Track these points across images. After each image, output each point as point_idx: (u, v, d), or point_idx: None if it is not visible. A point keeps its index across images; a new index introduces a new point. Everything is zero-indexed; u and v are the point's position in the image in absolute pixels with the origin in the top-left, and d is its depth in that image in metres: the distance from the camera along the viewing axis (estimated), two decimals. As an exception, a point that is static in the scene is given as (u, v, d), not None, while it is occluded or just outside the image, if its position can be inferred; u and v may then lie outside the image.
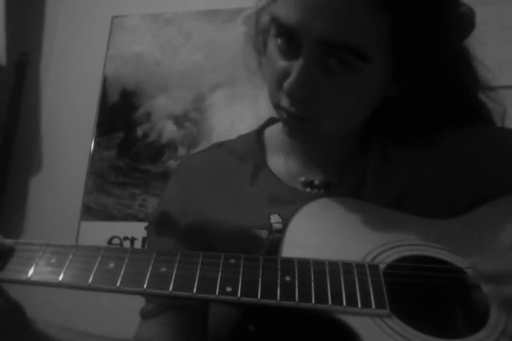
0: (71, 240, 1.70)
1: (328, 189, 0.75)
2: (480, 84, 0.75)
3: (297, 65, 0.62)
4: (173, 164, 1.74)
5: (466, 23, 0.68)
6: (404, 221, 0.67)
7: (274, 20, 0.64)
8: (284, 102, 0.66)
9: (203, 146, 1.72)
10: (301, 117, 0.67)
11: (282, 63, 0.65)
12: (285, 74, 0.64)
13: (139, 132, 1.82)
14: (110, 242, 1.70)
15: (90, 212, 1.76)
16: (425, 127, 0.73)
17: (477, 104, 0.77)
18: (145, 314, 0.78)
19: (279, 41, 0.65)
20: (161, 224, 0.80)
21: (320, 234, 0.64)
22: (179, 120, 1.80)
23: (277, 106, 0.68)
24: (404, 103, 0.71)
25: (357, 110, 0.69)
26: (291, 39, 0.63)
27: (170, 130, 1.80)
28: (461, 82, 0.73)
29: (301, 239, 0.64)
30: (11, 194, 1.82)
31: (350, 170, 0.76)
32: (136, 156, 1.79)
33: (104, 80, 1.89)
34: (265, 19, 0.73)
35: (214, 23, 1.84)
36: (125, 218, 1.72)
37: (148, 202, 1.72)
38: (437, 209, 0.70)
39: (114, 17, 1.94)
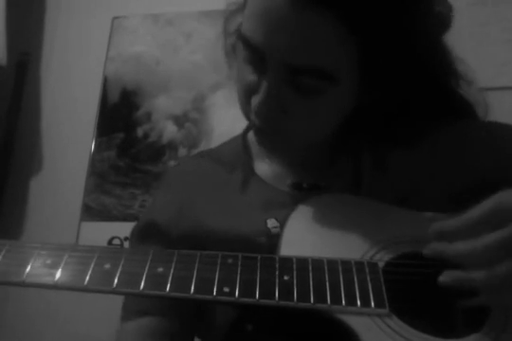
0: (71, 240, 1.70)
1: (318, 192, 0.73)
2: (459, 79, 0.74)
3: (264, 85, 0.61)
4: (173, 164, 1.74)
5: (442, 22, 0.67)
6: (404, 216, 0.66)
7: (241, 37, 0.62)
8: (253, 116, 0.65)
9: (203, 146, 1.72)
10: (268, 133, 0.66)
11: (250, 77, 0.64)
12: (253, 89, 0.63)
13: (140, 132, 1.82)
14: (110, 242, 1.69)
15: (90, 212, 1.76)
16: (409, 124, 0.72)
17: (458, 99, 0.76)
18: (123, 318, 0.75)
19: (247, 55, 0.63)
20: (147, 234, 0.78)
21: (318, 231, 0.63)
22: (179, 120, 1.80)
23: (247, 116, 0.68)
24: (382, 105, 0.69)
25: (327, 124, 0.68)
26: (258, 56, 0.61)
27: (170, 130, 1.80)
28: (439, 78, 0.72)
29: (298, 236, 0.63)
30: (11, 194, 1.82)
31: (340, 172, 0.75)
32: (136, 157, 1.79)
33: (105, 80, 1.89)
34: (234, 24, 0.72)
35: (214, 23, 1.84)
36: (125, 218, 1.72)
37: (148, 202, 1.71)
38: (441, 205, 0.68)
39: (114, 18, 1.95)
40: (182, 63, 1.85)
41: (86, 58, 1.93)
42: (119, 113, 1.85)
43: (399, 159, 0.73)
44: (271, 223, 0.69)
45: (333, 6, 0.54)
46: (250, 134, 0.84)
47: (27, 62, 1.93)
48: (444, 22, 0.68)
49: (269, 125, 0.65)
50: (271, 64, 0.60)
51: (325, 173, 0.75)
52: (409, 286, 0.58)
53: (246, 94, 0.65)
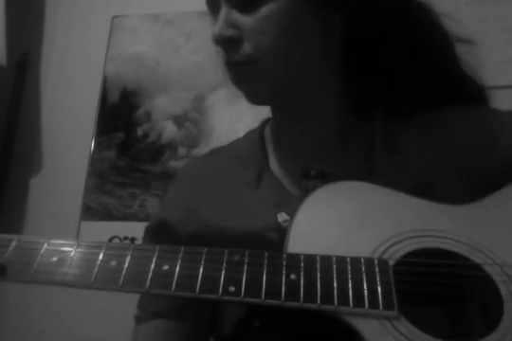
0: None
1: (327, 179, 0.70)
2: (458, 59, 0.75)
3: (221, 13, 0.70)
4: (173, 164, 1.74)
5: None
6: (418, 206, 0.63)
7: None
8: (219, 46, 0.70)
9: (203, 146, 1.72)
10: (237, 60, 0.69)
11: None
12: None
13: (139, 132, 1.81)
14: (110, 241, 1.69)
15: (90, 212, 1.75)
16: (419, 100, 0.73)
17: (469, 83, 0.76)
18: (138, 319, 0.76)
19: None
20: (160, 232, 0.78)
21: (327, 225, 0.61)
22: (179, 120, 1.79)
23: (226, 65, 0.72)
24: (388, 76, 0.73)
25: (294, 51, 0.70)
26: None
27: (170, 130, 1.79)
28: (437, 55, 0.74)
29: (307, 231, 0.60)
30: (11, 194, 1.82)
31: (351, 158, 0.73)
32: (136, 156, 1.79)
33: (104, 80, 1.89)
34: None
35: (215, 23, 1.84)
36: (125, 218, 1.72)
37: (148, 202, 1.72)
38: (458, 194, 0.66)
39: (114, 17, 1.94)
40: (182, 63, 1.85)
41: (86, 57, 1.93)
42: (119, 112, 1.85)
43: (414, 144, 0.72)
44: (281, 217, 0.68)
45: None
46: (267, 129, 0.83)
47: (27, 62, 1.92)
48: None
49: (232, 48, 0.69)
50: None
51: (335, 160, 0.74)
52: (420, 286, 0.56)
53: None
